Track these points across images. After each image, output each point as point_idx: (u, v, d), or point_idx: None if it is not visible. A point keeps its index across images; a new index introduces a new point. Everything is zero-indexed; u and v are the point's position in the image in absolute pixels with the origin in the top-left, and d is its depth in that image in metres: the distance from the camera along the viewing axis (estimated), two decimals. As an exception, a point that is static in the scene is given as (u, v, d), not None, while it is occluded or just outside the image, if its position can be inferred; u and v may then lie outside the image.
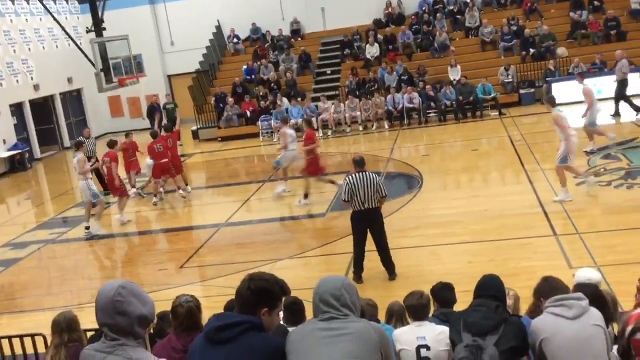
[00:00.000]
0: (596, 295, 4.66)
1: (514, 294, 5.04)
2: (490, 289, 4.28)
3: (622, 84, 18.07)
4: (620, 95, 18.16)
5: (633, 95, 18.29)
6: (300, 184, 14.28)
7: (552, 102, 11.92)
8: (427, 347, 4.74)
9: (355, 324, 3.37)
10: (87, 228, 13.63)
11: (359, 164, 9.33)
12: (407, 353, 4.80)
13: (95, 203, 13.61)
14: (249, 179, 17.16)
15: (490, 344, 3.95)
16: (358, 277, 9.24)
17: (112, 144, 14.47)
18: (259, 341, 3.28)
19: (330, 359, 3.27)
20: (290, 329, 4.38)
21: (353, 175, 9.16)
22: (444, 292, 5.39)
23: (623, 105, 18.08)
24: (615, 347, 4.37)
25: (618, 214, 10.68)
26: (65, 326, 5.32)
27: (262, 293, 3.34)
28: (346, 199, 9.15)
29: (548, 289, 4.43)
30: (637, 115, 17.73)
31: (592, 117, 14.56)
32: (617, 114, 18.10)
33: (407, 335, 4.89)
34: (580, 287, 4.79)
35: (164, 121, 23.54)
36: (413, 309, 5.07)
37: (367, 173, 9.15)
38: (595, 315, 4.13)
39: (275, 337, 3.44)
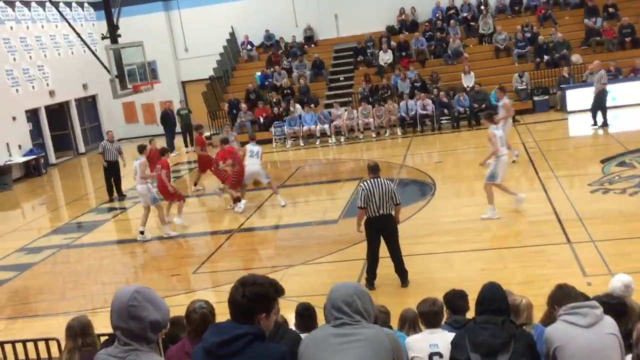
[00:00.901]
0: (620, 307, 4.66)
1: (527, 302, 5.01)
2: (493, 302, 4.15)
3: (602, 94, 17.95)
4: (600, 106, 18.09)
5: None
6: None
7: (489, 119, 12.25)
8: (440, 355, 4.72)
9: (368, 330, 3.36)
10: (142, 232, 13.29)
11: (374, 170, 9.32)
12: (420, 360, 4.80)
13: (155, 207, 13.42)
14: (262, 186, 17.19)
15: None
16: (370, 284, 9.20)
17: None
18: (264, 352, 3.21)
19: (343, 365, 3.26)
20: (302, 335, 4.39)
21: (368, 181, 9.16)
22: (456, 300, 5.38)
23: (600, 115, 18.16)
24: (629, 356, 4.34)
25: (633, 221, 10.59)
26: (79, 331, 5.35)
27: (258, 299, 3.24)
28: (362, 205, 9.10)
29: (562, 296, 4.40)
30: (598, 125, 17.99)
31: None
32: (598, 124, 18.11)
33: (420, 343, 4.88)
34: (611, 297, 4.81)
35: (178, 127, 23.74)
36: (426, 316, 5.07)
37: (382, 179, 9.17)
38: (609, 323, 4.10)
39: (278, 346, 3.39)
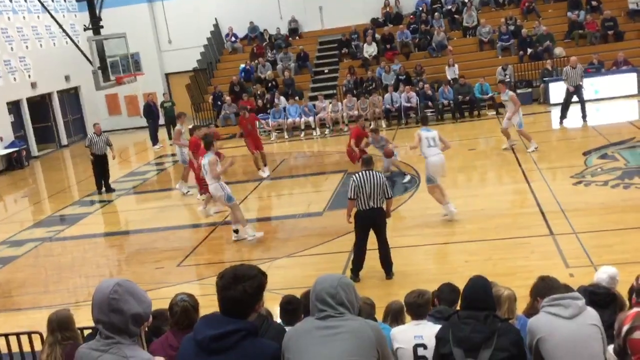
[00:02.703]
0: (606, 298, 4.71)
1: (510, 293, 5.04)
2: (475, 300, 4.10)
3: (578, 89, 18.09)
4: (581, 101, 18.17)
5: (631, 96, 18.31)
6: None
7: (423, 121, 12.58)
8: (424, 346, 4.74)
9: (352, 322, 3.37)
10: (236, 232, 11.94)
11: (367, 162, 9.38)
12: (404, 352, 4.81)
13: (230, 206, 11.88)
14: (247, 178, 17.16)
15: (484, 359, 3.91)
16: (355, 275, 9.20)
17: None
18: (257, 348, 3.22)
19: (328, 358, 3.28)
20: (287, 328, 4.39)
21: (360, 173, 9.19)
22: (452, 295, 5.40)
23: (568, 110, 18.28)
24: (611, 346, 4.38)
25: (614, 213, 10.69)
26: (57, 325, 5.30)
27: (258, 292, 3.28)
28: (352, 197, 9.11)
29: (545, 288, 4.45)
30: (561, 122, 18.18)
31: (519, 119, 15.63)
32: (584, 119, 18.17)
33: (405, 334, 4.90)
34: (597, 287, 4.86)
35: (161, 119, 23.60)
36: (412, 307, 5.09)
37: (374, 172, 9.20)
38: (591, 314, 4.14)
39: (270, 342, 3.40)
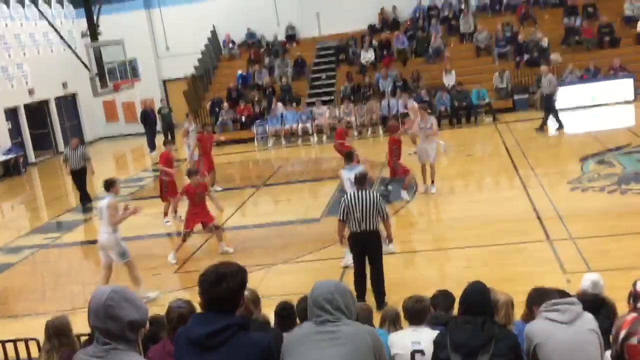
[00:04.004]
0: (594, 303, 4.70)
1: (507, 299, 5.04)
2: (473, 305, 4.11)
3: (551, 97, 18.23)
4: (550, 109, 18.32)
5: (627, 102, 18.31)
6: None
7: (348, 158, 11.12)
8: (422, 352, 4.73)
9: (349, 328, 3.40)
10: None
11: (360, 181, 8.65)
12: (402, 357, 4.82)
13: None
14: (244, 184, 17.16)
15: None
16: (361, 297, 8.32)
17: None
18: (250, 342, 3.28)
19: (326, 363, 3.29)
20: (284, 334, 4.38)
21: (351, 192, 8.53)
22: (442, 299, 5.42)
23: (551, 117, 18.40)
24: (608, 352, 4.38)
25: (611, 219, 10.70)
26: (53, 332, 5.29)
27: (242, 287, 3.36)
28: (342, 218, 8.44)
29: (539, 296, 4.48)
30: (539, 129, 18.20)
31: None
32: (560, 127, 18.29)
33: (403, 340, 4.90)
34: (585, 295, 4.86)
35: (159, 125, 23.59)
36: (410, 313, 5.09)
37: (367, 192, 8.47)
38: (589, 320, 4.14)
39: (263, 335, 3.47)
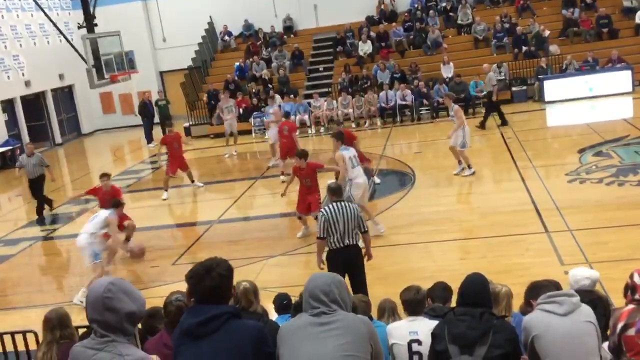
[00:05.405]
0: (597, 301, 4.70)
1: (507, 290, 5.05)
2: (472, 296, 4.10)
3: (491, 96, 18.39)
4: (491, 107, 18.45)
5: (625, 93, 18.29)
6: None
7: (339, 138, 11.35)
8: (419, 342, 4.77)
9: (344, 318, 3.44)
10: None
11: (336, 192, 7.88)
12: (399, 347, 4.85)
13: None
14: (242, 176, 17.14)
15: (480, 356, 3.90)
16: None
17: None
18: (241, 328, 3.32)
19: (322, 354, 3.33)
20: (280, 324, 4.39)
21: (329, 205, 7.62)
22: (439, 291, 5.43)
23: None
24: (606, 343, 4.39)
25: (609, 211, 10.72)
26: (57, 323, 5.30)
27: (231, 274, 3.39)
28: (322, 235, 7.53)
29: (536, 289, 4.49)
30: (480, 127, 18.27)
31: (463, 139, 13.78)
32: (504, 123, 18.41)
33: (400, 330, 4.93)
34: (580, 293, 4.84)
35: (156, 117, 23.53)
36: (408, 304, 5.12)
37: (345, 203, 7.67)
38: (586, 311, 4.14)
39: (254, 322, 3.50)
